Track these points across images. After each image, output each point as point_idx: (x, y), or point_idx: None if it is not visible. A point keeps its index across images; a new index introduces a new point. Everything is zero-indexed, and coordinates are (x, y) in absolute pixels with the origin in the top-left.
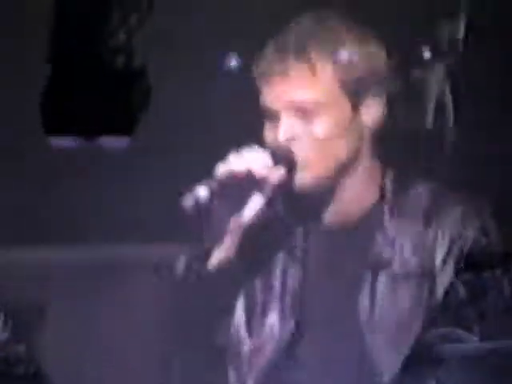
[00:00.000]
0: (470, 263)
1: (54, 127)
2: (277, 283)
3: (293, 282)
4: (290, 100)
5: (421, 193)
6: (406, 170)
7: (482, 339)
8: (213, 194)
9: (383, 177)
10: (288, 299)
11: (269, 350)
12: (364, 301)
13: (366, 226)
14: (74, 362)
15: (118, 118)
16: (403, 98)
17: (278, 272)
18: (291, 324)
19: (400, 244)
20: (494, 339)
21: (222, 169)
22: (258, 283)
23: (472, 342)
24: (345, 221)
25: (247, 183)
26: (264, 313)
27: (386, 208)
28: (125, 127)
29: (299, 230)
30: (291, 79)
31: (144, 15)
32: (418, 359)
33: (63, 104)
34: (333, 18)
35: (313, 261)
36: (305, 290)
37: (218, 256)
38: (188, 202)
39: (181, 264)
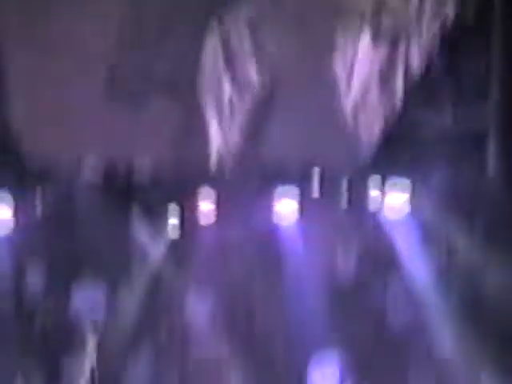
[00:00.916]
0: (447, 41)
1: None
2: None
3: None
4: None
5: None
6: None
7: (454, 122)
8: None
9: None
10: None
11: (248, 99)
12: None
13: None
14: None
15: None
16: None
17: None
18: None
19: None
20: (467, 123)
21: None
22: None
23: (445, 125)
24: None
25: None
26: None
27: None
28: None
29: None
30: None
31: None
32: (393, 141)
33: None
34: None
35: None
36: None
37: None
38: None
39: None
